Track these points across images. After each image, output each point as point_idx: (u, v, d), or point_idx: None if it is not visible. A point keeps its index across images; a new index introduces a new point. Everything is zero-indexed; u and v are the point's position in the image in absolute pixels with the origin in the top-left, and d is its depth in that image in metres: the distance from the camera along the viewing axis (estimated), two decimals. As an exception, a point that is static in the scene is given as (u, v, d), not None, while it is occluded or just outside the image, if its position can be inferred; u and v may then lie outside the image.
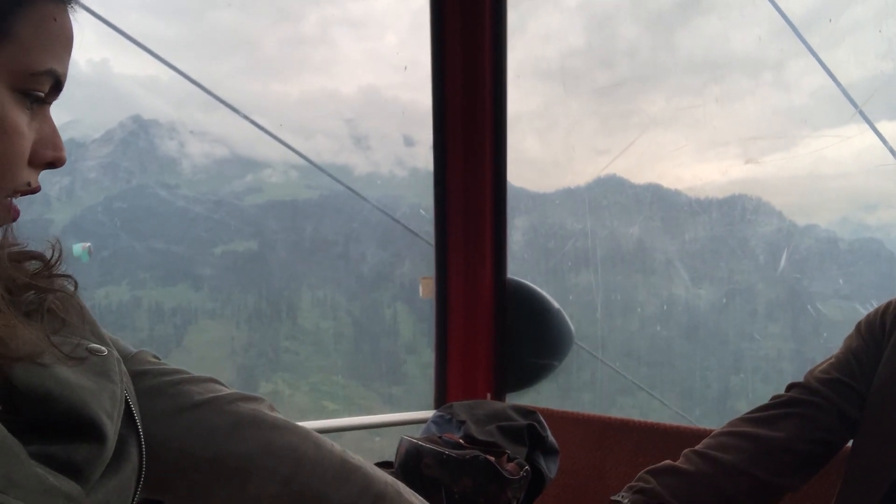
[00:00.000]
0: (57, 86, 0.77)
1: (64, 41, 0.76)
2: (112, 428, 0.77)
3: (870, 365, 1.51)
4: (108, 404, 0.78)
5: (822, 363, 1.59)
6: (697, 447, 1.53)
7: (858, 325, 1.58)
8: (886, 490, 1.36)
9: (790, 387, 1.58)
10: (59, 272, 0.82)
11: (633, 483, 1.48)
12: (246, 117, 2.80)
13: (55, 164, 0.78)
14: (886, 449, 1.40)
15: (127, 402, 0.82)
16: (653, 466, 1.50)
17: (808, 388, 1.54)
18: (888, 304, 1.54)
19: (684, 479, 1.45)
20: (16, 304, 0.73)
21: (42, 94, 0.75)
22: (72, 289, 0.83)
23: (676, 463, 1.49)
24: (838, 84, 2.25)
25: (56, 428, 0.71)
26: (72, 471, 0.70)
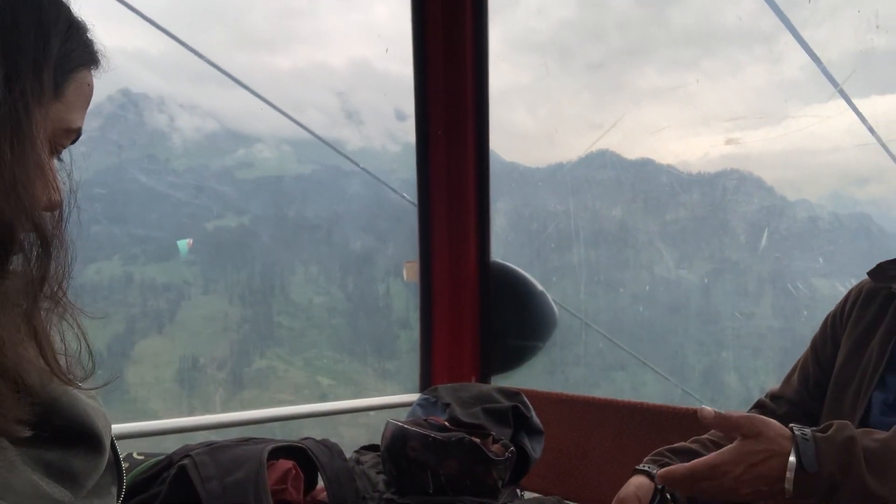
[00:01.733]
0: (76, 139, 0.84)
1: (89, 101, 0.84)
2: (108, 443, 0.79)
3: (830, 355, 1.57)
4: (103, 422, 0.80)
5: (794, 369, 1.67)
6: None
7: (826, 319, 1.64)
8: None
9: (772, 395, 1.65)
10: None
11: (655, 457, 1.54)
12: (267, 101, 2.77)
13: (54, 208, 0.82)
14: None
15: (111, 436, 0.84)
16: (671, 446, 1.57)
17: (785, 398, 1.63)
18: (849, 293, 1.59)
19: None
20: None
21: (65, 148, 0.82)
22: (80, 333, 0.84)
23: (693, 447, 1.56)
24: (819, 63, 2.25)
25: (56, 434, 0.73)
26: (68, 477, 0.72)
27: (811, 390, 1.58)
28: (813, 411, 1.57)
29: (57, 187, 0.80)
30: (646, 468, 1.48)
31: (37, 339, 0.72)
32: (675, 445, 1.56)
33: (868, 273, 1.52)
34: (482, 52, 2.47)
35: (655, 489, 1.43)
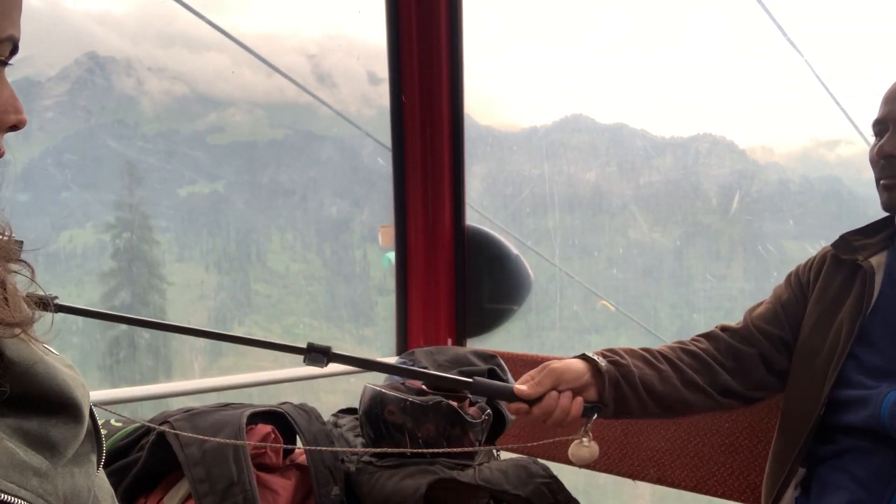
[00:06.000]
0: (14, 50, 0.76)
1: (19, 5, 0.75)
2: (87, 412, 0.78)
3: (796, 316, 1.57)
4: (81, 391, 0.78)
5: (758, 307, 1.64)
6: (658, 349, 1.56)
7: (789, 277, 1.63)
8: (809, 431, 1.46)
9: (725, 328, 1.62)
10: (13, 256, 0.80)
11: (605, 352, 1.49)
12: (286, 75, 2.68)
13: (17, 126, 0.77)
14: (809, 395, 1.49)
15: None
16: (625, 348, 1.53)
17: (741, 335, 1.60)
18: (813, 258, 1.59)
19: (654, 372, 1.50)
20: None
21: (3, 60, 0.75)
22: (28, 274, 0.81)
23: (647, 355, 1.52)
24: (782, 29, 2.25)
25: (35, 402, 0.71)
26: (46, 446, 0.70)
27: (776, 345, 1.57)
28: (777, 366, 1.57)
29: (16, 106, 0.76)
30: (596, 358, 1.44)
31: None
32: (633, 349, 1.53)
33: (832, 245, 1.50)
34: (456, 14, 2.44)
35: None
